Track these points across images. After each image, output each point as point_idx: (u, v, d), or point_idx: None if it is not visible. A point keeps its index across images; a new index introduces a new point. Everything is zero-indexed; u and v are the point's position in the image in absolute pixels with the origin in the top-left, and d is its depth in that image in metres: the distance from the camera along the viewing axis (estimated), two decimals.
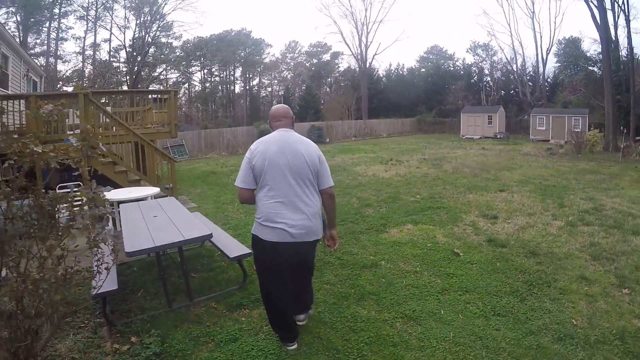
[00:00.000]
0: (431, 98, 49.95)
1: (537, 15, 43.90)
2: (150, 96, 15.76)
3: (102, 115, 11.60)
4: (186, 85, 68.25)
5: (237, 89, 71.51)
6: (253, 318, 4.92)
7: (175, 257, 6.22)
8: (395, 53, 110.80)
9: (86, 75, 47.89)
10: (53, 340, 4.25)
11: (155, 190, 9.14)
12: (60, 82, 46.41)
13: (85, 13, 48.12)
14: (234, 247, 5.84)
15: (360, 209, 10.02)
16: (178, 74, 64.92)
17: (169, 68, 60.75)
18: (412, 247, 7.09)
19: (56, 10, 46.85)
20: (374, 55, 55.20)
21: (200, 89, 68.51)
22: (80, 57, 50.47)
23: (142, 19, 46.18)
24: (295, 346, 4.27)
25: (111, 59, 50.53)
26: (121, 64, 48.01)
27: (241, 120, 56.84)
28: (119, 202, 7.87)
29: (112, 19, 47.74)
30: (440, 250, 6.89)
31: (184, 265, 5.28)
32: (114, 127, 11.49)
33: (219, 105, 68.21)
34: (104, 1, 47.46)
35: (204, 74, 68.78)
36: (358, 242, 7.60)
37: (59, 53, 49.71)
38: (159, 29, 49.72)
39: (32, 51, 45.87)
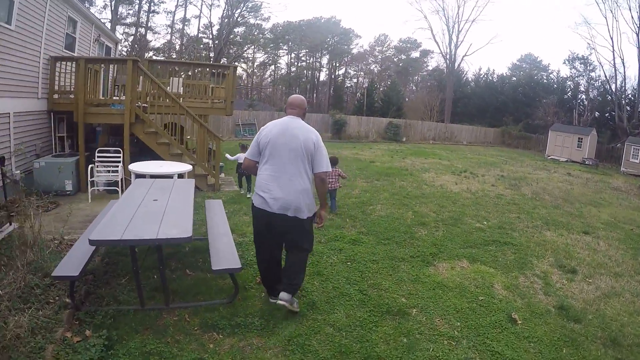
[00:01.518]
0: (519, 110, 46.90)
1: None
2: (210, 70, 14.96)
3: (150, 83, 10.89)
4: (272, 67, 68.45)
5: (323, 76, 71.08)
6: (222, 348, 4.13)
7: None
8: (486, 57, 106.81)
9: (176, 48, 48.83)
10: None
11: (187, 167, 8.94)
12: (151, 52, 47.66)
13: None
14: (225, 257, 4.90)
15: (412, 227, 8.60)
16: (265, 55, 65.09)
17: (256, 49, 60.93)
18: (459, 297, 5.57)
19: None
20: (463, 57, 52.42)
21: (285, 72, 68.32)
22: (169, 30, 51.92)
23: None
24: (278, 301, 4.61)
25: (200, 35, 51.01)
26: (210, 40, 48.08)
27: (323, 108, 55.86)
28: (140, 175, 7.88)
29: None
30: (493, 310, 5.31)
31: (161, 265, 4.55)
32: (162, 98, 10.82)
33: (303, 90, 67.69)
34: None
35: (290, 58, 68.60)
36: (395, 272, 6.22)
37: (150, 24, 51.15)
38: (247, 9, 49.68)
39: (124, 21, 48.04)
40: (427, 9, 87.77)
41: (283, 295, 4.60)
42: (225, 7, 46.61)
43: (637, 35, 38.11)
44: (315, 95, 69.69)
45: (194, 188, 6.80)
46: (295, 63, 70.10)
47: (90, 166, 9.40)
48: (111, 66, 13.45)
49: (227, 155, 11.22)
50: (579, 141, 32.07)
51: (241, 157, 10.24)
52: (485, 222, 9.48)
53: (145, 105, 10.65)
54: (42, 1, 10.36)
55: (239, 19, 49.52)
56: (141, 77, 10.88)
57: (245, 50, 57.50)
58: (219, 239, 5.38)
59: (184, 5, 51.02)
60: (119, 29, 49.12)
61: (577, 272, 7.01)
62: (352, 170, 15.50)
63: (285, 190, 4.48)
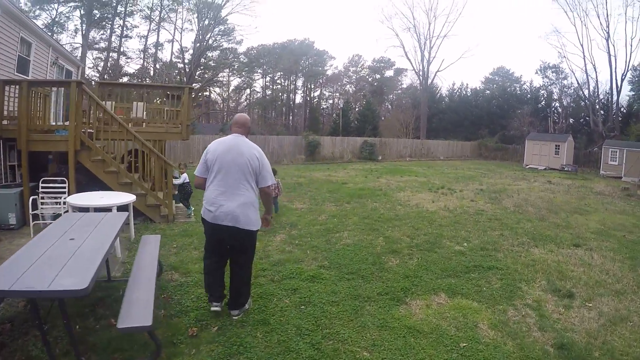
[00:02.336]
0: (494, 122, 46.44)
1: (612, 36, 39.30)
2: (164, 92, 14.36)
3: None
4: (248, 90, 68.04)
5: (298, 98, 70.73)
6: None
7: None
8: (459, 72, 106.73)
9: (151, 73, 48.44)
10: None
11: (130, 198, 8.17)
12: (125, 77, 47.82)
13: (149, 13, 49.22)
14: (137, 312, 3.90)
15: (382, 255, 7.51)
16: (240, 79, 64.74)
17: (231, 73, 60.56)
18: (436, 345, 4.44)
19: (121, 9, 48.01)
20: (436, 72, 51.59)
21: (261, 95, 67.83)
22: (142, 55, 51.86)
23: (203, 22, 45.44)
24: (218, 308, 5.03)
25: (174, 60, 50.56)
26: (184, 65, 47.32)
27: (299, 130, 54.97)
28: (79, 208, 7.27)
29: (176, 21, 47.93)
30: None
31: (65, 320, 3.77)
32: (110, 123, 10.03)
33: (279, 113, 67.13)
34: (169, 3, 48.28)
35: (265, 81, 68.21)
36: (357, 317, 5.11)
37: (122, 49, 51.06)
38: (220, 32, 49.32)
39: (97, 46, 48.36)
40: (399, 26, 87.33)
41: (233, 312, 5.08)
42: (197, 32, 45.86)
43: (607, 40, 37.91)
44: (291, 117, 69.13)
45: (147, 220, 8.03)
46: (271, 86, 69.70)
47: (32, 198, 8.59)
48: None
49: (174, 180, 10.31)
50: (556, 148, 31.50)
51: (186, 177, 10.55)
52: (465, 244, 8.40)
53: (91, 130, 9.87)
54: None
55: (212, 43, 49.12)
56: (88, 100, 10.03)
57: (220, 75, 56.94)
58: (137, 287, 4.45)
59: (156, 30, 50.66)
60: (91, 54, 48.74)
61: (574, 295, 5.94)
62: (321, 193, 14.45)
63: (233, 203, 4.73)
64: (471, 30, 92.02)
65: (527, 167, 31.52)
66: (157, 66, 50.30)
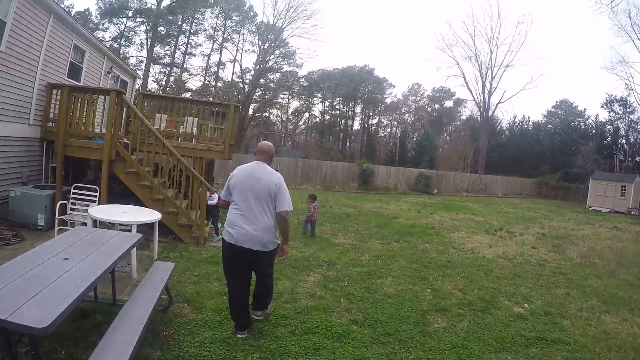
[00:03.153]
0: (556, 158, 44.24)
1: None
2: (209, 109, 13.80)
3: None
4: (306, 114, 67.98)
5: (356, 125, 70.04)
6: None
7: None
8: (520, 104, 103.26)
9: (212, 91, 49.32)
10: None
11: (154, 216, 7.64)
12: (188, 93, 49.91)
13: (213, 33, 50.97)
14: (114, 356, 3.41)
15: (428, 313, 6.36)
16: (300, 102, 64.83)
17: (290, 96, 60.64)
18: None
19: (186, 27, 50.04)
20: (497, 104, 49.52)
21: (319, 120, 67.48)
22: (204, 72, 53.43)
23: (264, 44, 45.55)
24: (244, 335, 5.09)
25: (235, 79, 51.08)
26: (245, 85, 47.50)
27: (355, 157, 54.09)
28: (96, 221, 6.99)
29: (238, 42, 48.56)
30: None
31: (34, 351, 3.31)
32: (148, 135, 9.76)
33: (336, 138, 66.58)
34: (232, 24, 49.76)
35: (324, 105, 67.79)
36: None
37: (185, 66, 52.55)
38: (281, 55, 49.17)
39: (161, 61, 50.48)
40: (459, 55, 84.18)
41: (257, 312, 5.57)
42: (258, 53, 45.99)
43: None
44: (348, 144, 68.44)
45: (177, 239, 8.12)
46: (329, 111, 69.15)
47: (60, 203, 8.35)
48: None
49: (208, 201, 9.69)
50: (622, 189, 29.52)
51: (215, 198, 9.73)
52: (526, 305, 7.13)
53: (126, 141, 9.74)
54: (41, 26, 9.96)
55: (273, 65, 49.26)
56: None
57: (279, 97, 57.23)
58: (122, 327, 3.89)
59: (219, 50, 51.99)
60: (155, 69, 50.01)
61: None
62: (369, 227, 13.38)
63: (251, 226, 4.90)
64: (534, 60, 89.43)
65: (591, 208, 29.55)
66: (219, 84, 51.01)
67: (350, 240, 11.20)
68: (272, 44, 45.81)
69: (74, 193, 8.88)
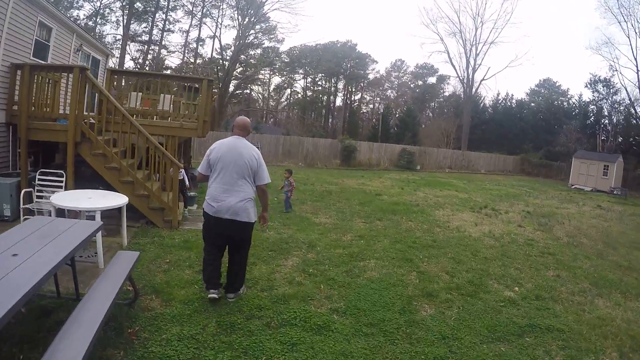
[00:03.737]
0: (539, 136, 43.89)
1: None
2: (181, 84, 13.13)
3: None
4: (288, 90, 67.08)
5: (339, 101, 69.16)
6: None
7: None
8: (504, 82, 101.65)
9: (192, 68, 48.20)
10: None
11: (120, 201, 7.03)
12: (168, 71, 48.13)
13: (191, 8, 49.08)
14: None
15: (414, 299, 5.92)
16: (282, 79, 63.82)
17: (272, 72, 59.70)
18: None
19: (164, 2, 48.24)
20: (481, 81, 49.38)
21: (301, 96, 66.59)
22: (183, 49, 52.02)
23: (245, 19, 44.43)
24: (215, 296, 5.27)
25: (215, 56, 49.94)
26: (226, 62, 46.46)
27: (338, 133, 53.49)
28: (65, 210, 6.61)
29: (218, 17, 47.54)
30: None
31: None
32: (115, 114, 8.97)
33: (318, 114, 65.83)
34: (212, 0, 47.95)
35: (306, 82, 66.87)
36: None
37: (164, 43, 50.83)
38: (261, 30, 48.22)
39: (139, 38, 48.71)
40: (444, 31, 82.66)
41: (229, 295, 5.48)
42: (238, 29, 44.88)
43: None
44: (330, 120, 67.67)
45: (150, 224, 8.02)
46: (312, 87, 68.18)
47: (24, 190, 7.77)
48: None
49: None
50: (605, 169, 29.31)
51: (183, 173, 9.71)
52: (517, 289, 6.73)
53: (92, 121, 8.86)
54: (2, 2, 9.16)
55: (254, 41, 48.16)
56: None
57: (261, 73, 56.11)
58: (79, 322, 3.50)
59: (198, 26, 50.48)
60: (133, 47, 48.74)
61: None
62: (351, 205, 12.92)
63: (234, 199, 5.13)
64: (519, 38, 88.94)
65: (573, 187, 29.33)
66: (198, 61, 49.91)
67: (332, 220, 10.74)
68: (252, 19, 44.70)
69: (39, 179, 8.19)
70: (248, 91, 60.23)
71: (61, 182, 8.23)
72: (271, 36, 50.51)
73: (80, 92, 8.65)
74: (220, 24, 50.58)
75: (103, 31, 46.84)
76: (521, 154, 39.80)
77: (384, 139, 41.08)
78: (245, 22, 44.63)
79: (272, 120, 61.20)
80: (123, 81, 14.11)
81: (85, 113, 9.20)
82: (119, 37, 46.31)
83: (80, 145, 8.63)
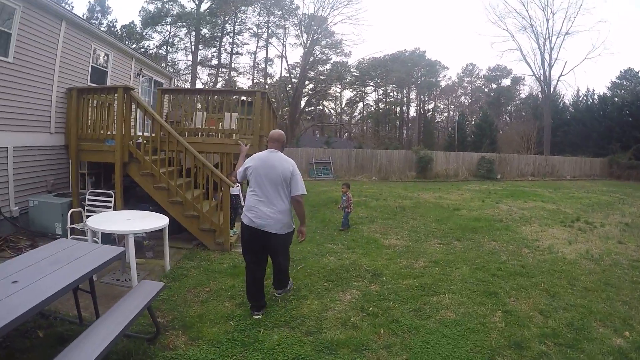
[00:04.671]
0: (627, 134, 39.67)
1: None
2: (233, 98, 12.46)
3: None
4: (360, 104, 66.48)
5: (412, 111, 67.83)
6: None
7: None
8: (583, 77, 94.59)
9: (266, 88, 48.80)
10: None
11: (159, 223, 6.45)
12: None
13: (257, 30, 51.20)
14: None
15: (497, 353, 4.59)
16: (353, 93, 63.34)
17: (343, 87, 59.33)
18: None
19: (230, 28, 50.88)
20: (559, 77, 45.87)
21: (374, 109, 65.64)
22: (253, 71, 53.82)
23: (310, 36, 44.07)
24: (260, 316, 5.30)
25: (284, 74, 50.24)
26: (292, 79, 46.29)
27: (413, 144, 51.91)
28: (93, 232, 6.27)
29: (284, 37, 47.97)
30: None
31: None
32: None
33: (392, 126, 64.57)
34: (276, 20, 49.64)
35: (378, 94, 65.92)
36: None
37: (233, 66, 52.92)
38: (327, 45, 47.96)
39: (209, 63, 52.26)
40: (513, 27, 77.77)
41: (277, 291, 5.95)
42: (304, 46, 44.58)
43: None
44: (405, 131, 66.19)
45: (201, 246, 8.05)
46: (384, 99, 67.03)
47: (71, 211, 8.06)
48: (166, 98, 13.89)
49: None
50: None
51: (237, 188, 9.63)
52: (627, 333, 5.22)
53: (139, 141, 8.84)
54: (52, 33, 9.56)
55: (321, 57, 48.00)
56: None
57: (332, 89, 55.93)
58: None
59: (265, 47, 51.86)
60: (205, 71, 50.15)
61: None
62: (426, 223, 11.64)
63: (269, 210, 5.24)
64: (594, 25, 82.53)
65: None
66: (268, 81, 50.27)
67: (403, 241, 9.55)
68: (317, 35, 44.51)
69: (89, 199, 8.23)
70: (320, 107, 60.04)
71: (110, 202, 8.18)
72: (338, 50, 50.89)
73: (126, 112, 8.49)
74: (285, 42, 51.30)
75: (175, 58, 48.89)
76: (608, 155, 36.38)
77: (460, 148, 39.36)
78: (311, 39, 44.39)
79: (346, 134, 60.41)
80: (165, 98, 14.00)
81: (139, 133, 9.19)
82: (190, 63, 47.70)
83: (128, 165, 8.48)
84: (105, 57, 12.35)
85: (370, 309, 5.61)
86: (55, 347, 4.02)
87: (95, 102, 9.24)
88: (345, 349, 4.53)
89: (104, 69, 12.27)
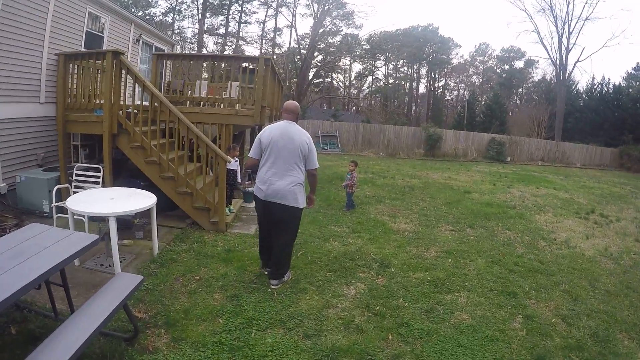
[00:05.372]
0: None
1: None
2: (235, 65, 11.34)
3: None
4: (370, 78, 65.34)
5: (422, 88, 66.47)
6: None
7: None
8: (600, 64, 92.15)
9: (274, 59, 47.59)
10: None
11: (145, 203, 5.66)
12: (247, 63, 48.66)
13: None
14: None
15: None
16: (362, 67, 62.15)
17: (352, 60, 58.23)
18: None
19: None
20: (575, 63, 43.37)
21: (383, 83, 64.45)
22: (261, 40, 52.02)
23: (323, 7, 42.85)
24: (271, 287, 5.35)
25: (294, 45, 49.00)
26: (303, 50, 45.26)
27: (421, 121, 50.93)
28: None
29: (294, 6, 46.41)
30: None
31: None
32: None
33: (401, 102, 63.48)
34: None
35: (388, 69, 64.72)
36: None
37: (241, 35, 51.40)
38: (338, 17, 46.95)
39: (216, 31, 50.97)
40: (532, 7, 75.22)
41: (273, 282, 5.46)
42: (314, 17, 43.35)
43: None
44: (414, 107, 65.09)
45: (196, 225, 7.48)
46: (394, 74, 65.78)
47: (56, 187, 7.06)
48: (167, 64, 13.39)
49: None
50: None
51: (234, 162, 8.75)
52: None
53: (128, 111, 7.85)
54: None
55: (332, 28, 46.63)
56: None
57: (342, 62, 54.68)
58: None
59: (274, 16, 50.33)
60: (212, 39, 49.05)
61: None
62: (436, 206, 11.05)
63: (283, 182, 5.12)
64: (615, 12, 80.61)
65: None
66: (277, 51, 49.18)
67: (413, 225, 8.96)
68: (328, 5, 43.07)
69: (76, 174, 7.45)
70: (329, 79, 59.01)
71: (98, 177, 7.39)
72: (349, 22, 49.04)
73: (115, 78, 7.58)
74: (294, 12, 50.13)
75: (182, 26, 48.12)
76: (619, 146, 35.43)
77: (469, 128, 38.44)
78: (321, 9, 43.13)
79: (354, 108, 59.46)
80: (167, 65, 13.60)
81: (137, 103, 8.12)
82: (196, 30, 46.75)
83: (118, 137, 7.66)
84: (101, 22, 11.62)
85: (377, 307, 5.02)
86: (26, 346, 3.55)
87: (83, 68, 8.39)
88: (348, 358, 3.98)
89: (100, 34, 11.49)
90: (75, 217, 5.80)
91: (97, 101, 8.04)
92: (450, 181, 15.92)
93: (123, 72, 7.64)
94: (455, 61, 65.34)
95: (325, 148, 25.21)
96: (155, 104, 7.68)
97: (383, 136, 26.82)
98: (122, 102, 7.89)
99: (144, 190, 6.36)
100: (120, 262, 5.52)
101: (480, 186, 15.20)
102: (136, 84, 7.69)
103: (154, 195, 6.06)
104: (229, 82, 10.36)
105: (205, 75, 14.83)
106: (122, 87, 7.88)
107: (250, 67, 10.38)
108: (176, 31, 47.85)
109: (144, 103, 8.09)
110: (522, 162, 28.07)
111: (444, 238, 8.20)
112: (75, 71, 8.23)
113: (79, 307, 3.59)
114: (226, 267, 5.90)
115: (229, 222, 7.93)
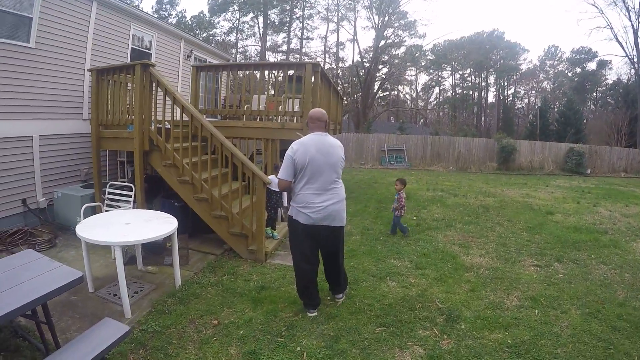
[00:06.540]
0: None
1: None
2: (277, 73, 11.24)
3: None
4: (437, 89, 63.85)
5: (490, 97, 63.85)
6: None
7: None
8: None
9: (339, 74, 47.59)
10: None
11: (162, 231, 5.03)
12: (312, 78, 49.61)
13: (327, 14, 49.53)
14: None
15: None
16: (428, 78, 60.80)
17: (418, 71, 56.86)
18: None
19: (299, 12, 50.22)
20: None
21: (451, 94, 62.62)
22: (324, 56, 52.44)
23: (384, 18, 42.23)
24: (315, 314, 4.87)
25: (357, 59, 48.11)
26: (363, 62, 44.36)
27: (492, 132, 48.65)
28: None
29: (355, 19, 46.48)
30: None
31: None
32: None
33: (470, 113, 61.32)
34: (346, 3, 47.39)
35: (455, 78, 62.81)
36: None
37: (304, 50, 52.06)
38: (400, 27, 46.20)
39: (279, 48, 51.84)
40: (603, 1, 69.28)
41: (338, 295, 5.26)
42: (376, 28, 42.41)
43: None
44: (483, 118, 62.58)
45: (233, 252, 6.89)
46: (461, 84, 63.64)
47: (84, 206, 6.56)
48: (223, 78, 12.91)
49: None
50: None
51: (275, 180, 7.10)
52: None
53: (159, 126, 7.39)
54: (81, 14, 8.96)
55: (395, 39, 45.74)
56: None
57: (407, 73, 53.57)
58: None
59: (336, 31, 50.21)
60: (276, 57, 51.57)
61: None
62: (515, 231, 9.48)
63: (333, 201, 4.70)
64: None
65: None
66: (340, 65, 49.56)
67: (490, 259, 7.48)
68: (389, 16, 41.93)
69: (109, 193, 7.18)
70: (395, 92, 57.95)
71: (129, 196, 7.06)
72: (411, 32, 48.09)
73: (145, 92, 7.10)
74: (356, 25, 50.17)
75: (245, 45, 48.97)
76: None
77: (542, 137, 35.92)
78: (383, 21, 42.17)
79: (421, 120, 57.81)
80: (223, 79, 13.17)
81: (177, 118, 7.73)
82: (259, 48, 47.53)
83: (150, 154, 7.27)
84: (148, 39, 11.62)
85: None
86: None
87: (114, 82, 7.93)
88: None
89: (147, 50, 11.49)
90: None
91: (129, 116, 7.62)
92: (529, 199, 14.13)
93: (154, 84, 7.08)
94: (524, 67, 62.45)
95: (392, 163, 24.02)
96: (186, 118, 7.18)
97: (453, 149, 25.26)
98: (153, 117, 7.35)
99: (167, 214, 5.80)
100: (136, 293, 5.26)
101: (562, 205, 13.28)
102: (166, 97, 7.10)
103: (175, 221, 5.47)
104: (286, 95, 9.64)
105: (272, 92, 14.13)
106: (153, 100, 7.33)
107: (297, 75, 9.47)
108: (240, 50, 48.61)
109: (184, 118, 7.46)
110: (604, 174, 25.38)
111: (528, 277, 6.68)
112: (109, 86, 7.82)
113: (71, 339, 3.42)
114: (253, 311, 4.95)
115: (269, 251, 7.03)
